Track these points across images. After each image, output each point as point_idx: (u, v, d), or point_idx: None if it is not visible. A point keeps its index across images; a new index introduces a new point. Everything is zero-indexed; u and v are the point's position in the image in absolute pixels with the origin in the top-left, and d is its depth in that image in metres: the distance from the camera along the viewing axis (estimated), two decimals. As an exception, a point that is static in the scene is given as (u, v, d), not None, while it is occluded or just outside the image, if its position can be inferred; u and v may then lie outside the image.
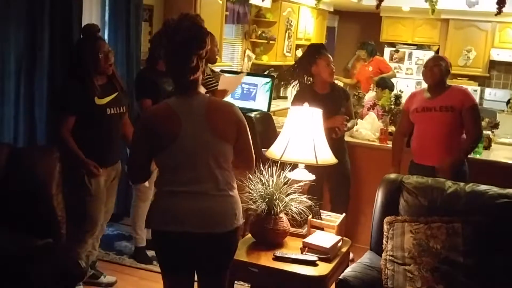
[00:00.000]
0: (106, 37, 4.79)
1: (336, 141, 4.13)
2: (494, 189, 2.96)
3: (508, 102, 8.40)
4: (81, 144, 3.39)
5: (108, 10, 4.79)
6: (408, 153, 4.27)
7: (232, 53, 7.49)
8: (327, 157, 3.18)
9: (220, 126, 2.43)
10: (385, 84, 6.22)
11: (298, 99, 4.19)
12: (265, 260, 2.82)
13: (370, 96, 6.32)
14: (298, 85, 4.61)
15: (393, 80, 7.12)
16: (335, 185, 4.50)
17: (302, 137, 3.12)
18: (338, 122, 4.24)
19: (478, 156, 4.48)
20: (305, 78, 4.48)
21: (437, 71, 4.07)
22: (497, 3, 5.23)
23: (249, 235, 3.06)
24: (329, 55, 4.38)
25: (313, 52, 4.40)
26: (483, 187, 3.00)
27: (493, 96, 8.91)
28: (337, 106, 4.34)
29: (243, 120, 2.51)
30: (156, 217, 2.47)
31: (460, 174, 3.92)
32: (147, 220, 2.58)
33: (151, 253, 4.20)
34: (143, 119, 2.64)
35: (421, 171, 3.69)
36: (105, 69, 3.48)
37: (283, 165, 3.07)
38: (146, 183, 3.86)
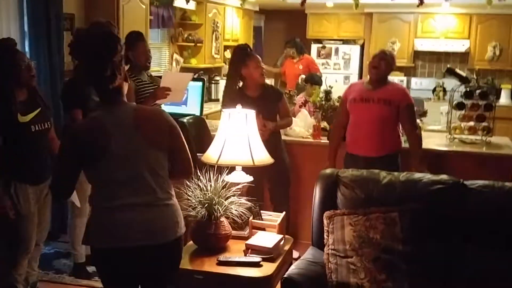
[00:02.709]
0: (26, 49, 4.63)
1: (272, 140, 4.13)
2: (427, 176, 3.05)
3: (434, 90, 8.70)
4: (8, 162, 3.26)
5: (26, 21, 4.61)
6: (344, 147, 4.33)
7: (159, 58, 7.39)
8: (264, 157, 3.18)
9: (151, 134, 2.37)
10: (313, 80, 6.29)
11: (230, 103, 3.93)
12: (209, 266, 2.79)
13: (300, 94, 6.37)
14: (225, 89, 4.49)
15: (323, 75, 7.24)
16: (275, 184, 4.50)
17: (237, 139, 3.10)
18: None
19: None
20: (238, 81, 4.40)
21: (383, 65, 4.15)
22: (419, -7, 5.39)
23: (191, 242, 3.01)
24: (258, 56, 4.36)
25: (241, 54, 4.37)
26: (417, 175, 3.09)
27: (419, 85, 9.20)
28: (271, 107, 4.31)
29: (175, 125, 2.46)
30: (95, 235, 2.38)
31: (395, 166, 4.00)
32: (85, 237, 2.47)
33: (91, 268, 4.10)
34: (72, 132, 2.51)
35: (354, 162, 3.76)
36: (28, 81, 3.34)
37: (220, 169, 3.05)
38: (78, 203, 3.77)
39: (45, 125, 3.44)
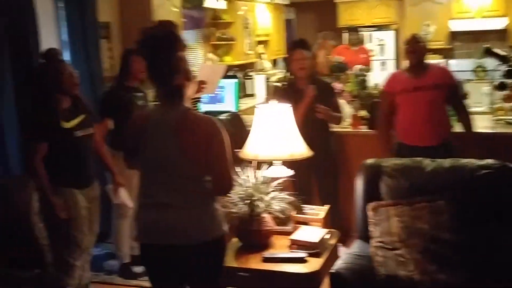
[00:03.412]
0: (67, 58, 4.72)
1: (320, 131, 4.14)
2: (472, 162, 2.96)
3: (474, 71, 8.47)
4: (54, 169, 3.37)
5: (64, 31, 4.73)
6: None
7: (194, 58, 7.43)
8: (302, 150, 3.14)
9: (187, 142, 2.32)
10: (339, 69, 6.17)
11: (280, 95, 4.10)
12: (254, 263, 2.78)
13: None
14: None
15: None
16: (322, 176, 4.39)
17: (273, 134, 3.07)
18: (308, 95, 4.08)
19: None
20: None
21: (419, 49, 4.06)
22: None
23: (235, 239, 3.01)
24: (302, 50, 4.22)
25: (288, 49, 4.39)
26: (462, 161, 3.00)
27: (458, 67, 8.94)
28: (320, 102, 4.16)
29: (220, 142, 2.35)
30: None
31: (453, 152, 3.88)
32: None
33: (139, 268, 4.16)
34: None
35: (413, 153, 3.56)
36: (72, 89, 3.46)
37: (259, 164, 3.03)
38: (129, 203, 3.91)
39: (89, 131, 3.54)
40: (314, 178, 4.38)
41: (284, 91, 4.34)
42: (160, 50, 2.34)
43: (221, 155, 2.36)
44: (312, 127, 3.93)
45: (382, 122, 4.31)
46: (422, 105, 3.99)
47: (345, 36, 9.42)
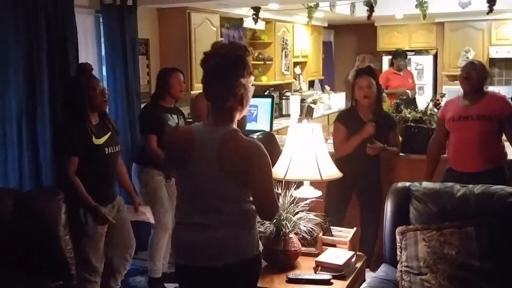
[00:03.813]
0: (104, 73, 4.84)
1: (369, 161, 4.11)
2: (504, 189, 2.92)
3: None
4: (82, 184, 3.40)
5: (104, 46, 4.83)
6: (444, 161, 4.20)
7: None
8: (332, 172, 3.15)
9: (228, 164, 2.28)
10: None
11: (339, 120, 4.26)
12: (279, 283, 2.78)
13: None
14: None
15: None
16: (366, 203, 4.30)
17: (304, 154, 3.09)
18: (366, 131, 4.03)
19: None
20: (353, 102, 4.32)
21: (474, 75, 3.97)
22: (488, 1, 5.22)
23: (261, 258, 3.01)
24: (368, 77, 4.13)
25: (354, 76, 4.30)
26: (493, 187, 2.95)
27: (497, 94, 8.85)
28: (380, 134, 4.11)
29: (262, 168, 2.31)
30: (172, 249, 2.52)
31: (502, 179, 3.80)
32: None
33: (170, 286, 4.20)
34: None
35: (457, 178, 3.56)
36: (102, 105, 3.52)
37: (288, 184, 3.05)
38: (151, 220, 3.96)
39: (116, 148, 3.60)
40: (358, 204, 4.32)
41: (344, 116, 4.33)
42: (222, 71, 2.30)
43: (262, 179, 2.31)
44: (364, 156, 4.03)
45: (431, 145, 4.30)
46: (469, 134, 3.95)
47: (385, 59, 9.44)
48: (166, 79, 4.25)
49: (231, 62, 2.31)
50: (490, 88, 8.84)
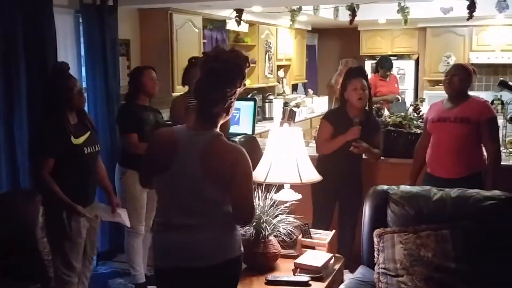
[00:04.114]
0: (83, 73, 4.81)
1: (351, 160, 4.14)
2: (480, 192, 2.96)
3: (491, 103, 8.44)
4: (61, 185, 3.35)
5: (83, 47, 4.79)
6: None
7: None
8: (312, 175, 3.18)
9: (210, 168, 2.30)
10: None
11: (327, 118, 4.25)
12: (258, 285, 2.79)
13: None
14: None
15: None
16: (345, 203, 4.29)
17: (284, 158, 3.12)
18: (352, 134, 4.04)
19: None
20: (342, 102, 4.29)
21: (456, 81, 3.98)
22: (468, 7, 5.29)
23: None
24: (361, 80, 4.12)
25: (346, 76, 4.25)
26: (469, 191, 2.98)
27: (477, 99, 8.94)
28: (367, 136, 4.13)
29: (244, 173, 2.33)
30: (153, 252, 2.49)
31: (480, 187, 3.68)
32: None
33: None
34: (154, 134, 2.64)
35: (434, 183, 3.55)
36: (80, 104, 3.48)
37: (268, 187, 3.06)
38: (127, 223, 3.93)
39: (95, 148, 3.55)
40: (338, 203, 4.32)
41: (332, 115, 4.33)
42: (219, 76, 2.30)
43: (243, 184, 2.33)
44: (346, 155, 4.06)
45: (417, 148, 4.31)
46: (447, 137, 3.97)
47: (368, 63, 9.51)
48: (138, 78, 4.25)
49: (231, 71, 2.31)
50: (471, 94, 8.98)
